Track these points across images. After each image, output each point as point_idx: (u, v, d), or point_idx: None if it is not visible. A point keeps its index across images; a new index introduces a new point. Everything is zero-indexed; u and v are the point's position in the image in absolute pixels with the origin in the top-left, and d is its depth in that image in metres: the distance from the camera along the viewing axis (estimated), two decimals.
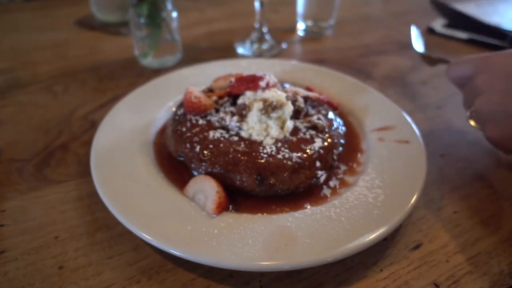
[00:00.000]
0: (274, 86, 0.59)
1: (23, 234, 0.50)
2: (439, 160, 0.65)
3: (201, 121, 0.58)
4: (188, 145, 0.55)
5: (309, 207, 0.50)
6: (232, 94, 0.61)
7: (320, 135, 0.57)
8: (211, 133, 0.56)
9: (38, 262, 0.46)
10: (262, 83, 0.58)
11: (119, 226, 0.50)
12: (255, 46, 1.01)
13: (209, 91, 0.65)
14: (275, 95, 0.57)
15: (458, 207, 0.56)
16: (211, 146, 0.53)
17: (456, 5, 1.21)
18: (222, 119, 0.58)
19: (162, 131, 0.64)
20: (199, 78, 0.74)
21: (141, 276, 0.45)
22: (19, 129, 0.70)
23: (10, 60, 0.93)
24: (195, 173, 0.54)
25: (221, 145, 0.53)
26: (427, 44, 0.93)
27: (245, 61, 0.83)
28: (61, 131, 0.69)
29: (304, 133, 0.57)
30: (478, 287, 0.45)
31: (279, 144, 0.54)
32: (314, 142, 0.55)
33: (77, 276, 0.45)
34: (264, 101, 0.56)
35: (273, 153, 0.52)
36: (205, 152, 0.53)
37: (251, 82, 0.58)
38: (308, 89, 0.69)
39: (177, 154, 0.57)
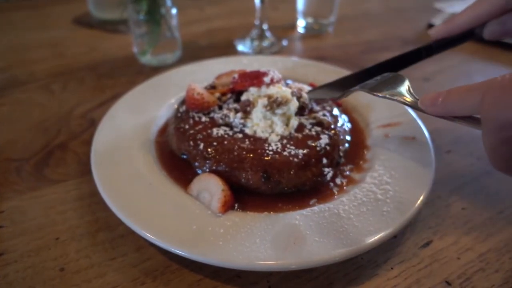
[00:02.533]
0: (278, 82, 0.58)
1: (22, 235, 0.48)
2: (446, 156, 0.64)
3: (204, 118, 0.57)
4: (191, 143, 0.53)
5: (316, 204, 0.48)
6: (235, 90, 0.60)
7: (326, 132, 0.55)
8: (215, 130, 0.54)
9: (38, 264, 0.45)
10: (266, 79, 0.57)
11: (120, 226, 0.49)
12: (255, 43, 1.00)
13: (211, 88, 0.63)
14: (280, 91, 0.56)
15: (466, 204, 0.55)
16: (215, 143, 0.52)
17: (444, 3, 1.23)
18: (226, 116, 0.57)
19: (164, 129, 0.63)
20: (201, 75, 0.72)
21: (146, 277, 0.44)
22: (17, 128, 0.68)
23: (7, 58, 0.92)
24: (199, 171, 0.53)
25: (225, 142, 0.52)
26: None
27: (246, 58, 0.82)
28: (60, 130, 0.68)
29: (310, 130, 0.56)
30: (491, 285, 0.44)
31: (285, 141, 0.53)
32: (320, 138, 0.54)
33: (79, 278, 0.43)
34: (269, 97, 0.55)
35: (279, 150, 0.51)
36: (209, 149, 0.52)
37: (255, 78, 0.57)
38: (312, 85, 0.67)
39: (179, 152, 0.56)
